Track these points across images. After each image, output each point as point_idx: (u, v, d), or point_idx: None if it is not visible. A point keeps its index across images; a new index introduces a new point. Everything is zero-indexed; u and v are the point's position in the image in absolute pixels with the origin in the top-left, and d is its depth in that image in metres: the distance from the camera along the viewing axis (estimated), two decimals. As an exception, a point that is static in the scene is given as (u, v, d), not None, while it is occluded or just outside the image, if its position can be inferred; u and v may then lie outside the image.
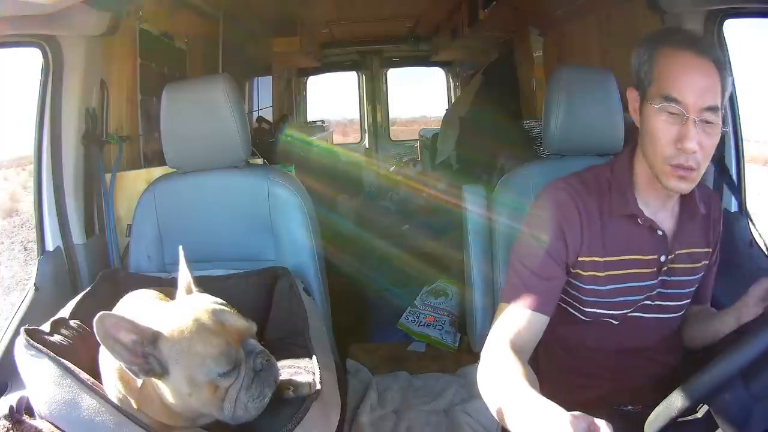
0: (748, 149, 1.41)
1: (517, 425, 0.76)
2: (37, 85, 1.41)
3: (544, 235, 0.99)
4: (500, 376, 0.85)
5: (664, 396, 0.78)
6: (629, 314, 1.04)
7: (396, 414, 1.53)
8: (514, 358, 0.87)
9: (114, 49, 1.70)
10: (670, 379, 1.11)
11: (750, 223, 1.35)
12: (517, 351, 0.89)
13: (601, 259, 1.00)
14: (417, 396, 1.61)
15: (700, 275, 1.08)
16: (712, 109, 0.89)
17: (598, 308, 1.03)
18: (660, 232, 1.00)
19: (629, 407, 1.02)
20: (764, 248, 1.31)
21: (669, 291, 1.04)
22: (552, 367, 1.12)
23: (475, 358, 1.65)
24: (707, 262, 1.08)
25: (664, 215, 1.02)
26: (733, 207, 1.38)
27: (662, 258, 1.01)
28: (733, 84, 0.94)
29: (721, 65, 0.89)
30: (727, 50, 1.33)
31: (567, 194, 1.00)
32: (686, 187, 0.94)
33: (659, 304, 1.04)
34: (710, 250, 1.08)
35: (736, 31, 1.33)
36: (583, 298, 1.03)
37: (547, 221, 1.00)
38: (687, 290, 1.06)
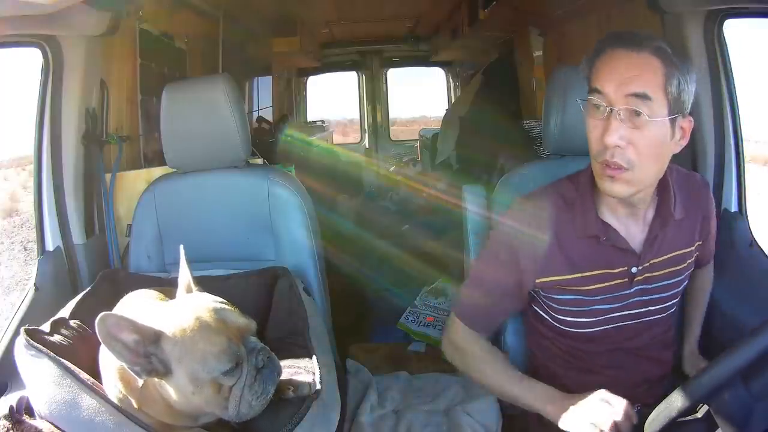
0: (748, 149, 1.41)
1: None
2: (37, 85, 1.41)
3: (498, 262, 1.04)
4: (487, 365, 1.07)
5: (663, 395, 0.78)
6: (614, 323, 1.03)
7: (396, 414, 1.53)
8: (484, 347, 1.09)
9: (114, 49, 1.70)
10: (668, 377, 1.11)
11: (749, 223, 1.35)
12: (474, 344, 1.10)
13: (564, 277, 1.00)
14: (417, 396, 1.61)
15: (689, 271, 1.07)
16: (639, 96, 0.84)
17: (572, 317, 1.04)
18: (625, 248, 0.99)
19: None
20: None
21: (652, 296, 1.03)
22: (547, 367, 1.12)
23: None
24: (695, 254, 1.07)
25: (635, 224, 1.00)
26: (733, 207, 1.38)
27: (633, 269, 1.00)
28: (691, 74, 0.88)
29: (663, 55, 0.85)
30: (727, 50, 1.33)
31: (527, 220, 1.01)
32: (619, 189, 0.90)
33: (646, 310, 1.04)
34: (702, 241, 1.07)
35: (736, 31, 1.33)
36: (553, 313, 1.05)
37: (503, 249, 1.04)
38: (672, 291, 1.05)
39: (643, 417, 0.81)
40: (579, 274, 1.00)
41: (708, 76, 1.35)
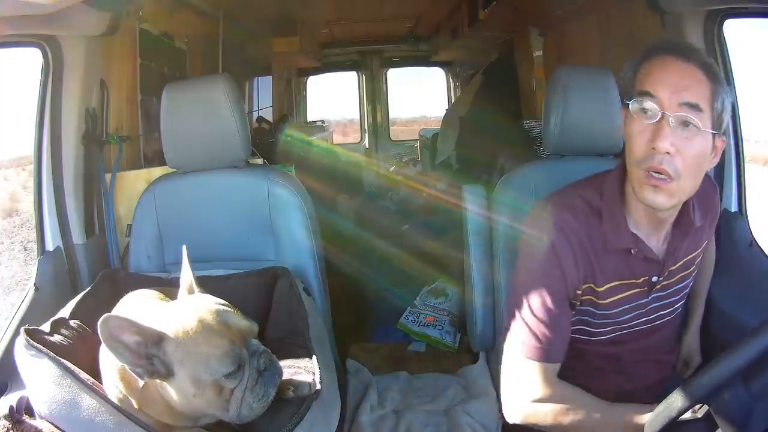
0: (748, 149, 1.41)
1: None
2: (37, 85, 1.41)
3: (545, 279, 0.94)
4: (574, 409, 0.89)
5: (663, 396, 0.78)
6: (627, 329, 1.02)
7: (396, 414, 1.53)
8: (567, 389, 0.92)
9: (114, 49, 1.70)
10: (672, 378, 1.11)
11: (749, 223, 1.35)
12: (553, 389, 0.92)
13: (598, 288, 0.97)
14: (417, 396, 1.61)
15: (694, 275, 1.07)
16: (691, 105, 0.83)
17: (589, 326, 1.02)
18: (653, 258, 0.97)
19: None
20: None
21: (665, 302, 1.03)
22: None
23: (475, 358, 1.67)
24: (700, 258, 1.07)
25: (656, 234, 0.98)
26: (733, 207, 1.38)
27: (653, 279, 0.99)
28: (730, 94, 0.87)
29: (710, 71, 0.84)
30: (727, 50, 1.33)
31: (558, 229, 0.94)
32: (662, 201, 0.87)
33: (657, 315, 1.03)
34: (707, 242, 1.07)
35: (736, 31, 1.33)
36: (588, 327, 1.02)
37: (547, 262, 0.95)
38: (682, 294, 1.05)
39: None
40: (609, 284, 0.97)
41: (708, 76, 1.34)
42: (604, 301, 0.98)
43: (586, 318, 1.00)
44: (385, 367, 1.80)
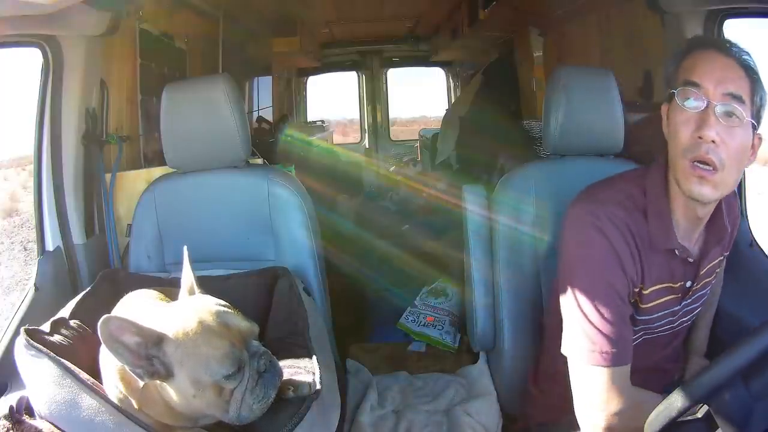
0: (748, 149, 1.41)
1: None
2: (37, 85, 1.41)
3: (608, 276, 0.90)
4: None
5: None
6: (650, 334, 1.01)
7: (396, 414, 1.53)
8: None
9: (114, 49, 1.70)
10: (671, 386, 1.11)
11: (749, 223, 1.35)
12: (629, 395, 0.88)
13: (645, 291, 0.95)
14: (417, 396, 1.61)
15: (714, 282, 1.06)
16: (735, 96, 0.83)
17: (636, 335, 0.98)
18: (691, 260, 0.96)
19: None
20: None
21: (689, 308, 1.02)
22: (553, 362, 1.11)
23: (475, 358, 1.67)
24: (722, 266, 1.06)
25: (692, 237, 0.95)
26: (733, 207, 1.38)
27: (688, 284, 0.97)
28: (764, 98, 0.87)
29: (749, 67, 0.85)
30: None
31: (613, 225, 0.90)
32: (708, 192, 0.85)
33: (679, 322, 1.02)
34: (725, 253, 1.06)
35: (736, 31, 1.33)
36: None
37: (606, 261, 0.90)
38: (701, 302, 1.04)
39: None
40: (654, 287, 0.95)
41: (708, 76, 1.34)
42: (646, 305, 0.95)
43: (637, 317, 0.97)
44: (385, 367, 1.80)
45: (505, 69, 3.36)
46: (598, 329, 0.88)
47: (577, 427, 1.01)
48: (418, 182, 3.95)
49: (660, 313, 0.96)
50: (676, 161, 0.88)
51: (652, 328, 0.99)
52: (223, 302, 0.86)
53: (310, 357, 0.98)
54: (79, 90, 1.46)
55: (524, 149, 2.51)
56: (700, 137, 0.84)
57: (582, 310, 0.89)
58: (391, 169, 5.02)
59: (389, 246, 2.94)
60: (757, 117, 0.86)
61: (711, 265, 1.00)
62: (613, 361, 0.88)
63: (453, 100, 5.22)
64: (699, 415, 0.75)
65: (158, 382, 0.80)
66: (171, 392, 0.80)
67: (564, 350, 0.93)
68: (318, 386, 0.90)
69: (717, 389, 0.71)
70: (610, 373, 0.88)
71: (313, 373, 0.93)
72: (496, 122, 2.90)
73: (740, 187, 1.38)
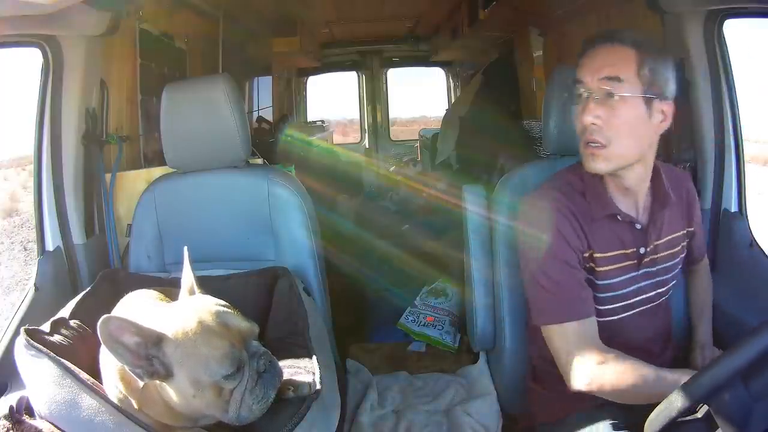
0: (748, 149, 1.41)
1: None
2: (37, 85, 1.41)
3: (555, 250, 1.02)
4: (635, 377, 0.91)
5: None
6: (628, 309, 1.07)
7: (396, 414, 1.53)
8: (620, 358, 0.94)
9: (114, 49, 1.70)
10: None
11: (749, 223, 1.35)
12: (609, 352, 0.96)
13: (596, 255, 1.04)
14: (417, 396, 1.61)
15: (683, 255, 1.13)
16: (611, 78, 0.96)
17: (609, 302, 1.06)
18: (638, 226, 1.05)
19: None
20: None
21: (657, 279, 1.08)
22: (552, 363, 1.12)
23: (475, 358, 1.67)
24: (687, 240, 1.13)
25: (633, 207, 1.07)
26: (733, 207, 1.38)
27: (641, 250, 1.06)
28: (666, 61, 0.98)
29: (638, 44, 0.96)
30: (727, 50, 1.33)
31: (554, 208, 1.04)
32: (601, 165, 1.00)
33: (654, 293, 1.08)
34: (692, 228, 1.14)
35: (736, 31, 1.33)
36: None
37: (551, 236, 1.02)
38: (671, 273, 1.11)
39: (647, 414, 0.82)
40: (603, 254, 1.04)
41: (708, 76, 1.35)
42: (602, 269, 1.04)
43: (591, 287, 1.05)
44: (385, 367, 1.80)
45: (505, 69, 3.36)
46: (553, 293, 1.01)
47: (583, 425, 1.02)
48: (418, 182, 3.95)
49: (620, 278, 1.05)
50: (580, 146, 1.03)
51: (622, 297, 1.06)
52: (223, 302, 0.86)
53: (310, 357, 0.98)
54: (79, 90, 1.46)
55: (524, 149, 2.51)
56: (582, 123, 0.99)
57: (539, 282, 1.03)
58: (391, 169, 5.02)
59: (389, 246, 2.94)
60: (651, 87, 0.96)
61: (671, 237, 1.09)
62: (577, 313, 0.99)
63: (453, 100, 5.22)
64: (699, 415, 0.75)
65: (158, 382, 0.80)
66: (171, 392, 0.80)
67: (535, 321, 1.05)
68: (318, 386, 0.90)
69: (717, 389, 0.71)
70: (576, 326, 0.99)
71: (313, 373, 0.93)
72: (496, 122, 2.90)
73: (740, 187, 1.38)
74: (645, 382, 0.90)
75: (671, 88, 0.99)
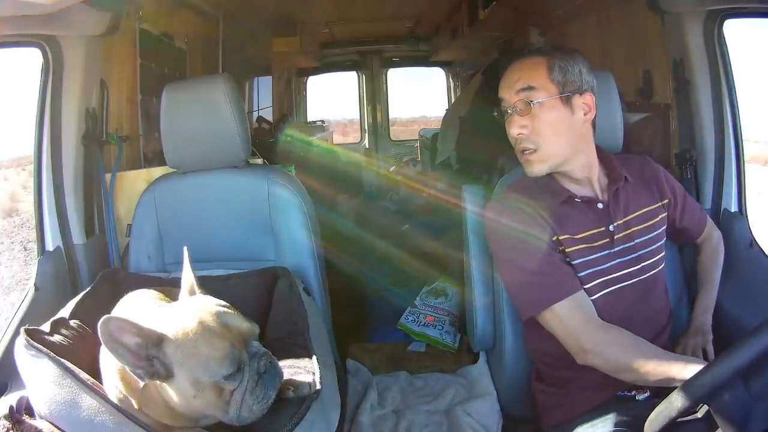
0: (748, 149, 1.41)
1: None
2: (37, 85, 1.41)
3: (524, 241, 1.08)
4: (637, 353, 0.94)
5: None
6: (615, 283, 1.08)
7: (396, 414, 1.53)
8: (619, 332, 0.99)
9: (114, 49, 1.70)
10: None
11: (749, 223, 1.35)
12: (606, 326, 1.01)
13: (562, 237, 1.08)
14: (417, 396, 1.61)
15: (663, 227, 1.15)
16: (524, 89, 1.05)
17: (593, 278, 1.08)
18: (600, 206, 1.10)
19: (633, 393, 1.02)
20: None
21: (638, 253, 1.10)
22: (549, 353, 1.12)
23: (475, 358, 1.66)
24: (666, 212, 1.15)
25: (593, 191, 1.12)
26: (733, 207, 1.38)
27: (611, 228, 1.09)
28: (575, 58, 1.06)
29: (544, 51, 1.06)
30: (727, 50, 1.33)
31: (515, 208, 1.11)
32: (536, 168, 1.08)
33: (639, 268, 1.10)
34: (667, 200, 1.16)
35: (736, 31, 1.33)
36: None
37: (520, 231, 1.09)
38: (655, 246, 1.13)
39: (648, 404, 0.82)
40: (575, 236, 1.09)
41: (708, 76, 1.35)
42: (575, 248, 1.08)
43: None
44: (385, 367, 1.79)
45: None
46: (533, 282, 1.05)
47: (586, 427, 1.02)
48: (418, 182, 3.95)
49: (595, 255, 1.08)
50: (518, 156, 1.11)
51: (603, 272, 1.08)
52: (223, 303, 0.86)
53: (310, 357, 0.98)
54: (79, 90, 1.46)
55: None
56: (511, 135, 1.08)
57: (518, 280, 1.09)
58: (391, 169, 5.02)
59: (389, 246, 2.94)
60: (565, 86, 1.05)
61: (644, 210, 1.13)
62: (562, 292, 1.03)
63: (453, 100, 5.22)
64: (699, 415, 0.75)
65: (158, 382, 0.79)
66: (171, 393, 0.80)
67: (528, 314, 1.07)
68: (318, 386, 0.90)
69: (717, 389, 0.71)
70: (567, 303, 1.02)
71: (313, 373, 0.93)
72: (496, 122, 2.89)
73: (740, 187, 1.38)
74: (647, 358, 0.92)
75: (587, 80, 1.07)
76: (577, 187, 1.12)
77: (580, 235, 1.08)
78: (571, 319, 1.01)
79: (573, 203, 1.10)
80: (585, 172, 1.11)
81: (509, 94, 1.08)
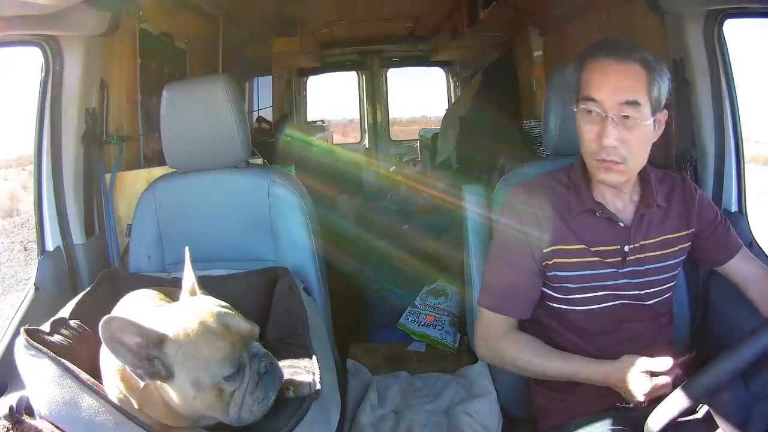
0: (748, 149, 1.41)
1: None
2: (37, 85, 1.41)
3: (510, 241, 1.10)
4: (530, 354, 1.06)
5: (662, 394, 0.78)
6: (609, 303, 1.07)
7: (396, 414, 1.53)
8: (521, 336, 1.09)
9: (114, 49, 1.70)
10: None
11: (749, 223, 1.35)
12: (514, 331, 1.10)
13: (567, 247, 1.07)
14: (417, 396, 1.61)
15: (682, 258, 1.12)
16: (630, 103, 0.96)
17: (570, 294, 1.08)
18: (622, 225, 1.07)
19: (630, 405, 1.02)
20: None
21: (646, 279, 1.08)
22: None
23: (475, 358, 1.66)
24: (689, 242, 1.12)
25: (622, 206, 1.09)
26: (733, 207, 1.38)
27: (626, 248, 1.06)
28: (664, 74, 0.99)
29: (646, 63, 0.96)
30: (727, 50, 1.33)
31: (512, 206, 1.11)
32: (615, 178, 1.02)
33: (643, 293, 1.08)
34: (692, 230, 1.11)
35: (736, 31, 1.33)
36: (551, 292, 1.10)
37: (511, 224, 1.10)
38: (665, 275, 1.09)
39: (644, 414, 0.82)
40: (576, 246, 1.07)
41: (708, 76, 1.35)
42: (573, 260, 1.07)
43: (567, 285, 1.09)
44: (385, 367, 1.79)
45: (505, 69, 3.36)
46: (490, 283, 1.12)
47: (585, 429, 1.02)
48: (418, 182, 3.95)
49: (604, 270, 1.07)
50: (586, 159, 1.05)
51: (603, 288, 1.07)
52: (224, 303, 0.86)
53: (310, 357, 0.98)
54: (79, 90, 1.46)
55: (524, 149, 2.51)
56: (601, 144, 0.99)
57: (497, 272, 1.12)
58: (391, 169, 5.02)
59: (389, 246, 2.94)
60: (656, 105, 0.98)
61: (663, 238, 1.08)
62: (495, 306, 1.10)
63: (453, 100, 5.22)
64: (699, 415, 0.75)
65: (158, 382, 0.79)
66: (171, 393, 0.80)
67: (479, 302, 1.14)
68: (318, 386, 0.90)
69: (717, 389, 0.71)
70: (502, 320, 1.10)
71: (314, 373, 0.93)
72: (496, 122, 2.90)
73: (740, 187, 1.38)
74: (536, 369, 1.05)
75: (667, 94, 1.02)
76: (610, 196, 1.08)
77: (594, 249, 1.06)
78: (494, 330, 1.11)
79: (593, 216, 1.07)
80: (625, 187, 1.07)
81: (610, 100, 0.97)
